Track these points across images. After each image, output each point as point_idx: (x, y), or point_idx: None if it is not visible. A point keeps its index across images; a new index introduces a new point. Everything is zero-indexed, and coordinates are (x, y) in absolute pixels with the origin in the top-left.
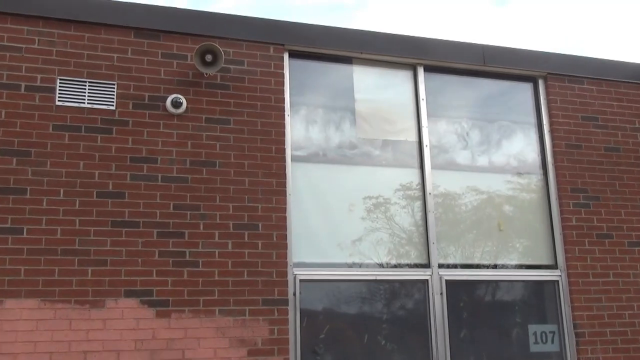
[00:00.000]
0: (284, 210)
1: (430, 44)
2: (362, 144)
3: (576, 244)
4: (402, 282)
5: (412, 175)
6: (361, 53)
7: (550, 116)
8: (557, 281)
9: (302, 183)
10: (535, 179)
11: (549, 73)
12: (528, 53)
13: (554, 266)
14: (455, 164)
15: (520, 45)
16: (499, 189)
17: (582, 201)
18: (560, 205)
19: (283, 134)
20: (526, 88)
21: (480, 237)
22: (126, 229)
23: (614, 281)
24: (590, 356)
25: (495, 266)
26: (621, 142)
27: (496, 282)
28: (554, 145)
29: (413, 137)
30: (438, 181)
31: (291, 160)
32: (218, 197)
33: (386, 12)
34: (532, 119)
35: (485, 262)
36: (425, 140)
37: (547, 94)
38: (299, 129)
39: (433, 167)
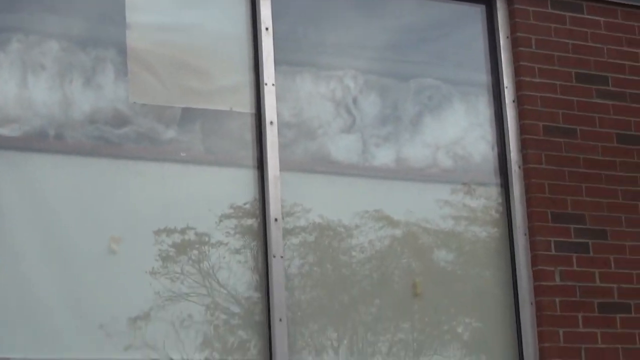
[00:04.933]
0: None
1: None
2: (139, 115)
3: (560, 323)
4: None
5: (243, 183)
6: None
7: (517, 71)
8: None
9: (6, 186)
10: (488, 195)
11: None
12: None
13: None
14: (330, 162)
15: None
16: (416, 213)
17: (573, 239)
18: (532, 246)
19: None
20: (472, 17)
21: (381, 310)
22: None
23: None
24: None
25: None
26: None
27: None
28: (522, 129)
29: (246, 107)
30: (295, 195)
31: None
32: None
33: None
34: (484, 75)
35: (374, 350)
36: (270, 113)
37: (513, 28)
38: None
39: (284, 167)
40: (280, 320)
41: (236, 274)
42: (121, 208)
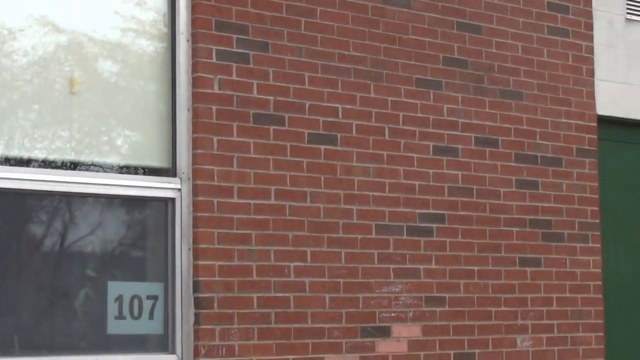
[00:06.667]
0: None
1: None
2: None
3: (215, 130)
4: None
5: None
6: None
7: None
8: (172, 200)
9: None
10: (157, 6)
11: None
12: None
13: (168, 171)
14: None
15: None
16: (83, 21)
17: (235, 49)
18: (193, 53)
19: None
20: None
21: (40, 116)
22: None
23: (279, 206)
24: (218, 343)
25: (46, 163)
26: None
27: (44, 196)
28: None
29: None
30: None
31: None
32: None
33: None
34: None
35: (30, 156)
36: None
37: None
38: None
39: None
40: None
41: None
42: None
